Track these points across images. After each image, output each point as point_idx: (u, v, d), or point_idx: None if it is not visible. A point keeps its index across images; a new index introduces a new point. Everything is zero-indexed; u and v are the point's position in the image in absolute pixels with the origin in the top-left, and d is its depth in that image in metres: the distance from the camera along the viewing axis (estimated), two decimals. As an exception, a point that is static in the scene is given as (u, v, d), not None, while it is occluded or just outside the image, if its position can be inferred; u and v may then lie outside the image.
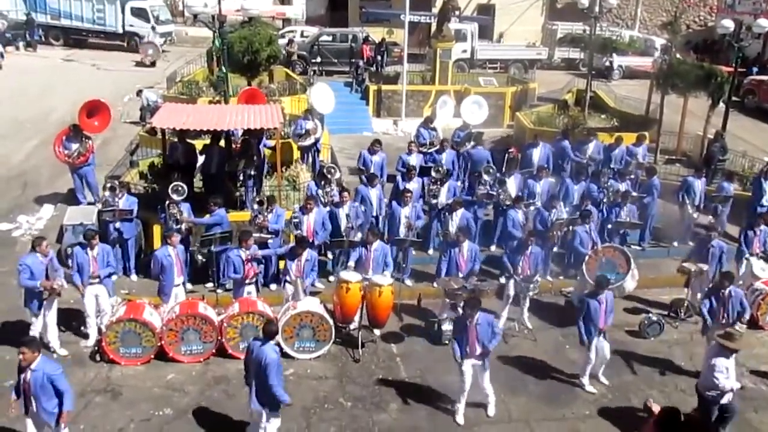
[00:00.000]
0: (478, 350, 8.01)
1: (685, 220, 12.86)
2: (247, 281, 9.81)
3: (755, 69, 26.98)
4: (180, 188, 10.83)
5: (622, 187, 12.69)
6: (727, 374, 7.62)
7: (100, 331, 9.55)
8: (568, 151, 14.46)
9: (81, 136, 13.15)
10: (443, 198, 12.19)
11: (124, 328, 8.99)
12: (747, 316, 9.42)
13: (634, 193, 12.65)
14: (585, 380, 9.06)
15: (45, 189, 14.64)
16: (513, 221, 11.40)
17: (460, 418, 8.32)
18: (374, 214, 11.92)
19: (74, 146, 13.04)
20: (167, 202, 10.69)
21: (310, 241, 10.75)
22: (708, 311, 9.12)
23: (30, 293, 8.85)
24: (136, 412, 8.24)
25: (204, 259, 10.78)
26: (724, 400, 7.79)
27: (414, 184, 12.28)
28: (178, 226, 10.57)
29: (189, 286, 10.92)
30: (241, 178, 12.21)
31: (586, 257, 10.69)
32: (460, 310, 8.38)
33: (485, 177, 12.52)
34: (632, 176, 13.47)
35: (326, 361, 9.49)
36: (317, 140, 14.43)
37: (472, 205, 12.21)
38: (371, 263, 10.04)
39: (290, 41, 24.12)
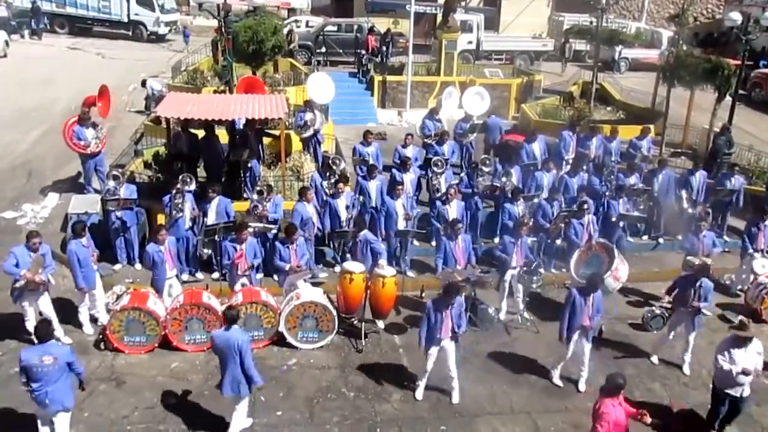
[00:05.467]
0: (450, 333, 8.22)
1: (682, 214, 12.84)
2: (239, 272, 9.79)
3: (764, 62, 26.80)
4: (189, 179, 10.90)
5: (632, 180, 12.66)
6: (731, 360, 7.65)
7: (94, 318, 9.66)
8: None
9: (92, 123, 13.09)
10: (443, 189, 12.16)
11: (128, 317, 9.04)
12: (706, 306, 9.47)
13: (629, 185, 12.59)
14: (555, 374, 9.07)
15: (50, 178, 14.67)
16: (509, 214, 11.38)
17: (419, 394, 8.58)
18: (373, 205, 11.86)
19: (90, 135, 12.94)
20: (173, 191, 10.70)
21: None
22: (678, 294, 9.30)
23: (12, 282, 8.83)
24: (140, 400, 8.29)
25: (209, 252, 10.82)
26: (739, 393, 7.80)
27: (411, 175, 12.27)
28: (181, 215, 10.61)
29: (198, 275, 11.06)
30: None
31: (578, 250, 10.70)
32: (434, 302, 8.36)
33: (484, 169, 12.50)
34: (638, 169, 13.42)
35: (329, 351, 9.52)
36: (316, 132, 14.38)
37: (473, 196, 12.18)
38: (359, 254, 10.15)
39: (290, 32, 23.86)
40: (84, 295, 9.47)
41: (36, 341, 7.02)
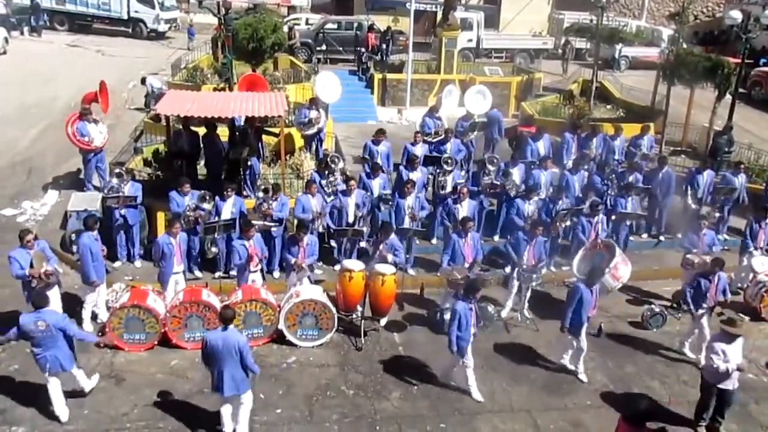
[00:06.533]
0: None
1: (687, 212, 12.85)
2: (252, 269, 9.81)
3: (764, 60, 26.79)
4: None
5: (631, 179, 12.66)
6: (724, 358, 7.70)
7: (94, 315, 9.66)
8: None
9: (93, 119, 13.05)
10: (449, 188, 12.17)
11: (128, 315, 9.04)
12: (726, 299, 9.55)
13: (631, 183, 12.60)
14: (581, 367, 9.14)
15: (50, 175, 14.65)
16: (517, 210, 11.41)
17: (478, 395, 8.60)
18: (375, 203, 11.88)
19: (93, 130, 12.87)
20: (189, 204, 10.65)
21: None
22: (693, 295, 9.33)
23: (23, 284, 8.81)
24: (140, 397, 8.30)
25: (216, 251, 10.81)
26: (729, 386, 7.85)
27: (417, 174, 12.27)
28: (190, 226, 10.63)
29: (197, 273, 11.05)
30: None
31: (582, 248, 10.70)
32: (463, 301, 8.37)
33: (489, 167, 12.50)
34: (639, 168, 13.41)
35: (329, 349, 9.52)
36: (320, 130, 14.38)
37: (478, 194, 12.19)
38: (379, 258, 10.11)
39: (291, 29, 23.79)
40: (95, 289, 9.47)
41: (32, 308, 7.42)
